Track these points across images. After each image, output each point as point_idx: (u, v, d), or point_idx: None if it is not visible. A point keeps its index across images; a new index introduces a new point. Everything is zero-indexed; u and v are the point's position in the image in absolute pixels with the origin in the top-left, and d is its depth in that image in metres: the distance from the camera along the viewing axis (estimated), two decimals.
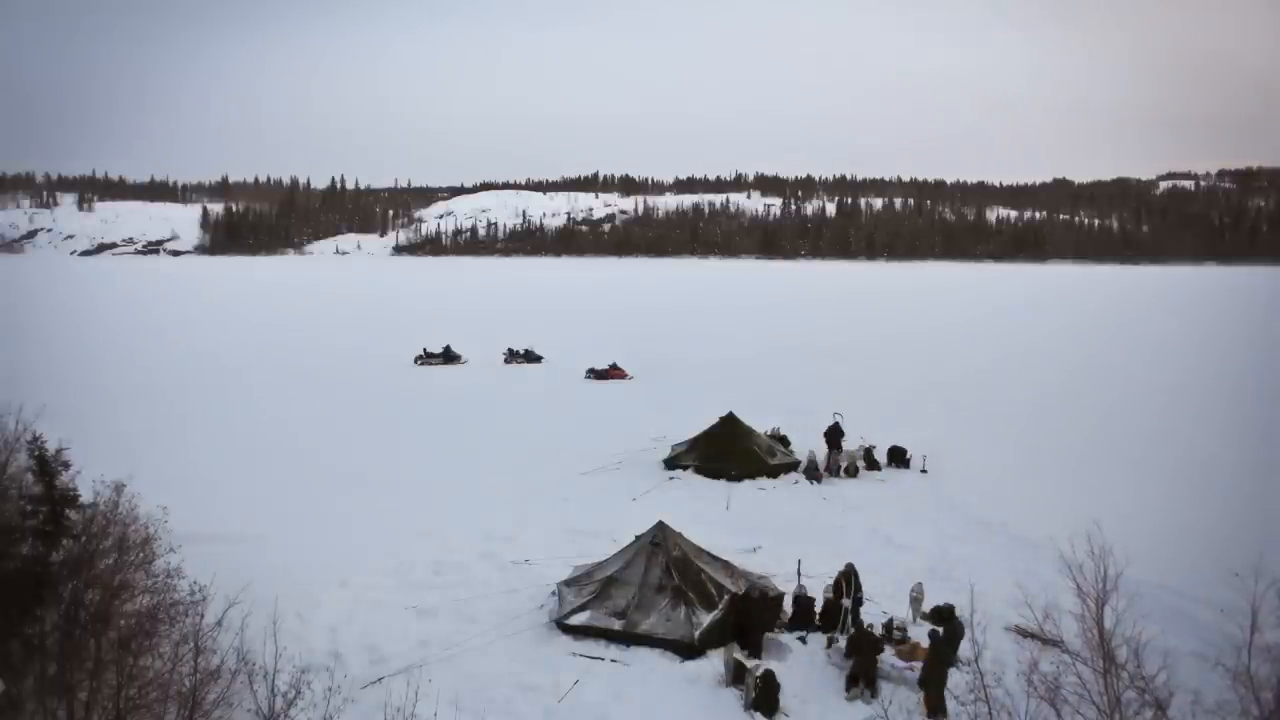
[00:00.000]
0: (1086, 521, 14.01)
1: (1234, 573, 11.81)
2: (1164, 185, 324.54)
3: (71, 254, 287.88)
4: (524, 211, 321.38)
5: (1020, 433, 33.45)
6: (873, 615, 16.57)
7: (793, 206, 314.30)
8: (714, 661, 14.88)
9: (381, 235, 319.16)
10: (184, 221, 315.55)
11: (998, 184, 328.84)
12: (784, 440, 29.16)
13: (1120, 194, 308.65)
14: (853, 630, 15.75)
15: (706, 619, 15.60)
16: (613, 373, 46.14)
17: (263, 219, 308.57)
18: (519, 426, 34.42)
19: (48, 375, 42.48)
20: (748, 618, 15.35)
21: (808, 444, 28.30)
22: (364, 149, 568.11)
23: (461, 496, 24.59)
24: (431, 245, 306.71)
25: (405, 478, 26.68)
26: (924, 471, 27.46)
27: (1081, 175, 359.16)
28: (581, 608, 16.24)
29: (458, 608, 17.10)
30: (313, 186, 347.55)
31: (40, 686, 11.68)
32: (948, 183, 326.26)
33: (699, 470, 26.85)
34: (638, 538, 17.45)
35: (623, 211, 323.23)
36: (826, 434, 27.95)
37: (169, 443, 30.47)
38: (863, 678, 14.32)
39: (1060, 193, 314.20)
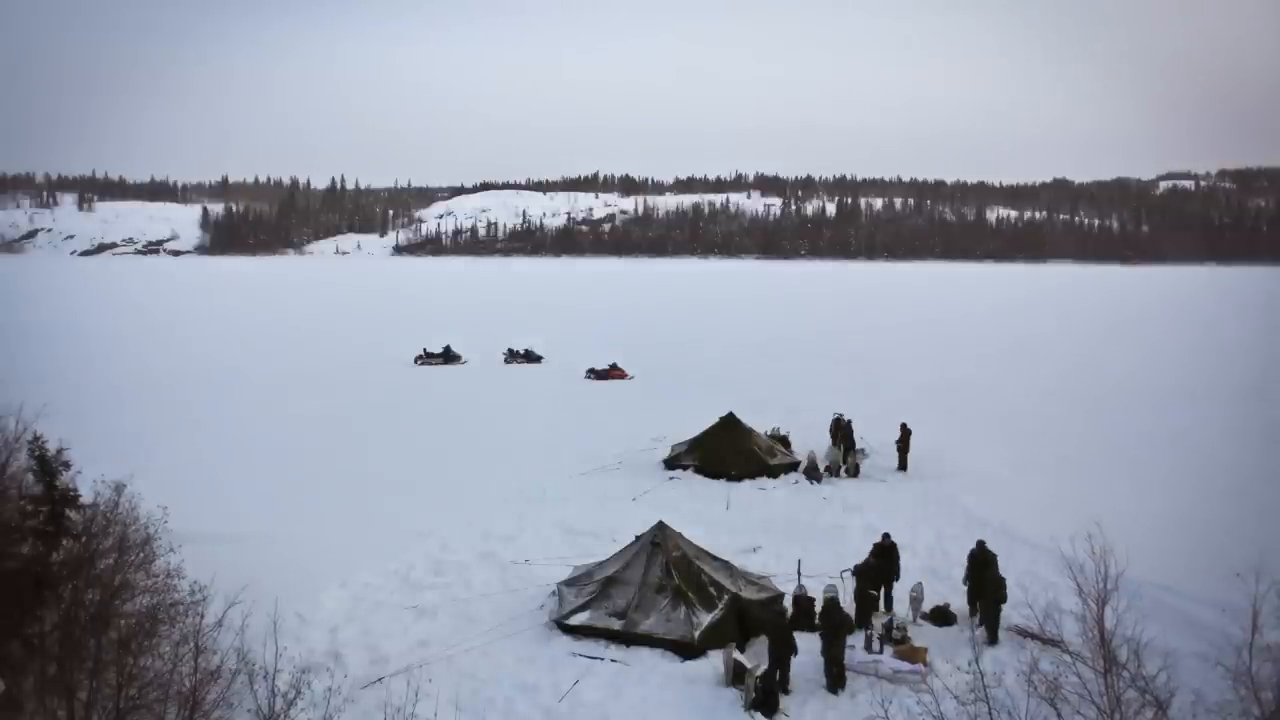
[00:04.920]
0: (1087, 521, 14.02)
1: (1235, 573, 11.81)
2: (1164, 185, 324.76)
3: (71, 254, 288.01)
4: (524, 211, 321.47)
5: (1021, 433, 33.43)
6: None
7: (793, 206, 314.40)
8: (714, 661, 14.87)
9: (381, 235, 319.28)
10: (184, 221, 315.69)
11: (998, 184, 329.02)
12: (784, 440, 29.14)
13: (1120, 194, 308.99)
14: (888, 614, 15.90)
15: (706, 619, 15.59)
16: (613, 373, 46.13)
17: (263, 219, 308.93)
18: (519, 426, 34.41)
19: (48, 375, 42.47)
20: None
21: (808, 444, 28.31)
22: (364, 149, 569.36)
23: (461, 496, 24.57)
24: (431, 245, 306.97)
25: (405, 478, 26.66)
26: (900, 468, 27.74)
27: (1081, 175, 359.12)
28: (581, 608, 16.23)
29: (458, 608, 17.09)
30: (313, 186, 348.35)
31: (40, 686, 11.68)
32: (948, 183, 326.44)
33: (699, 470, 26.83)
34: (638, 538, 17.44)
35: (623, 211, 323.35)
36: (841, 431, 28.22)
37: (169, 443, 30.46)
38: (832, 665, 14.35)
39: (1060, 193, 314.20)
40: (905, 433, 28.05)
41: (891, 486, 25.91)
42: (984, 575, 16.21)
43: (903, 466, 27.67)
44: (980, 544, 17.08)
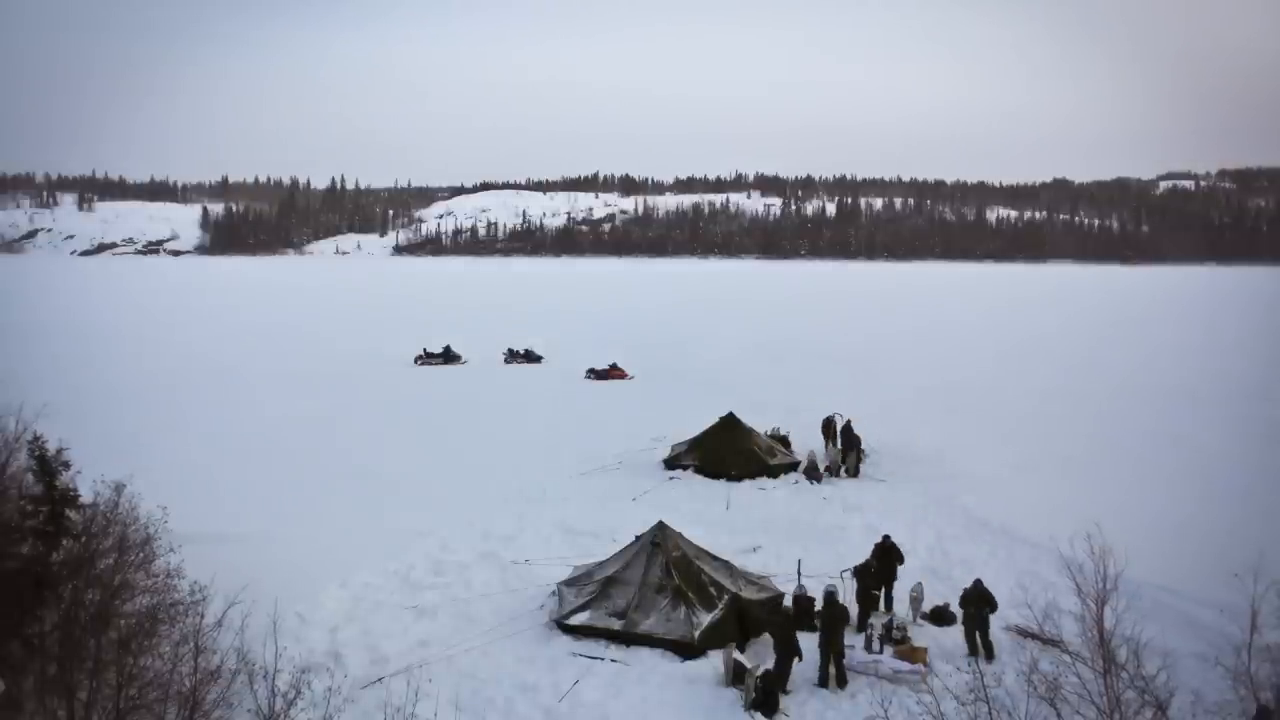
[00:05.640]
0: (1086, 522, 14.03)
1: (1234, 573, 11.83)
2: (1164, 185, 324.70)
3: (71, 254, 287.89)
4: (524, 211, 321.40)
5: (1020, 433, 33.43)
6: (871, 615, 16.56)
7: (793, 206, 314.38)
8: (714, 661, 14.88)
9: (381, 235, 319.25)
10: (184, 221, 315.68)
11: (998, 184, 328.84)
12: (784, 440, 29.15)
13: (1120, 194, 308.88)
14: (888, 614, 15.82)
15: (706, 619, 15.60)
16: (613, 373, 46.13)
17: (263, 219, 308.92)
18: (519, 426, 34.41)
19: (48, 375, 42.46)
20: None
21: (808, 444, 28.31)
22: (364, 149, 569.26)
23: (461, 496, 24.57)
24: (431, 245, 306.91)
25: (405, 478, 26.66)
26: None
27: (1081, 175, 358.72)
28: (581, 608, 16.24)
29: (458, 608, 17.09)
30: (313, 186, 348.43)
31: (40, 686, 11.69)
32: (948, 183, 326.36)
33: (699, 470, 26.83)
34: (638, 538, 17.45)
35: (623, 211, 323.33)
36: (833, 431, 28.22)
37: (169, 443, 30.45)
38: (832, 656, 14.37)
39: (1060, 193, 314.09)
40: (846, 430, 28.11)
41: (891, 486, 25.90)
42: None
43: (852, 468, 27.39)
44: (977, 582, 16.02)
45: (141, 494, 13.45)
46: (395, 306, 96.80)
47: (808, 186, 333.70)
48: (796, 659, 14.37)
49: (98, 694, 11.00)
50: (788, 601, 16.75)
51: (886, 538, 18.00)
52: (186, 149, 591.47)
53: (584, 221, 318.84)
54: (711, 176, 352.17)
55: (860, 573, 16.85)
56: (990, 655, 15.23)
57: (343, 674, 14.12)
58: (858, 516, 23.01)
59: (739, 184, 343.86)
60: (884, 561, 17.36)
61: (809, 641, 14.91)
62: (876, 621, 15.94)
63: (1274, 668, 9.46)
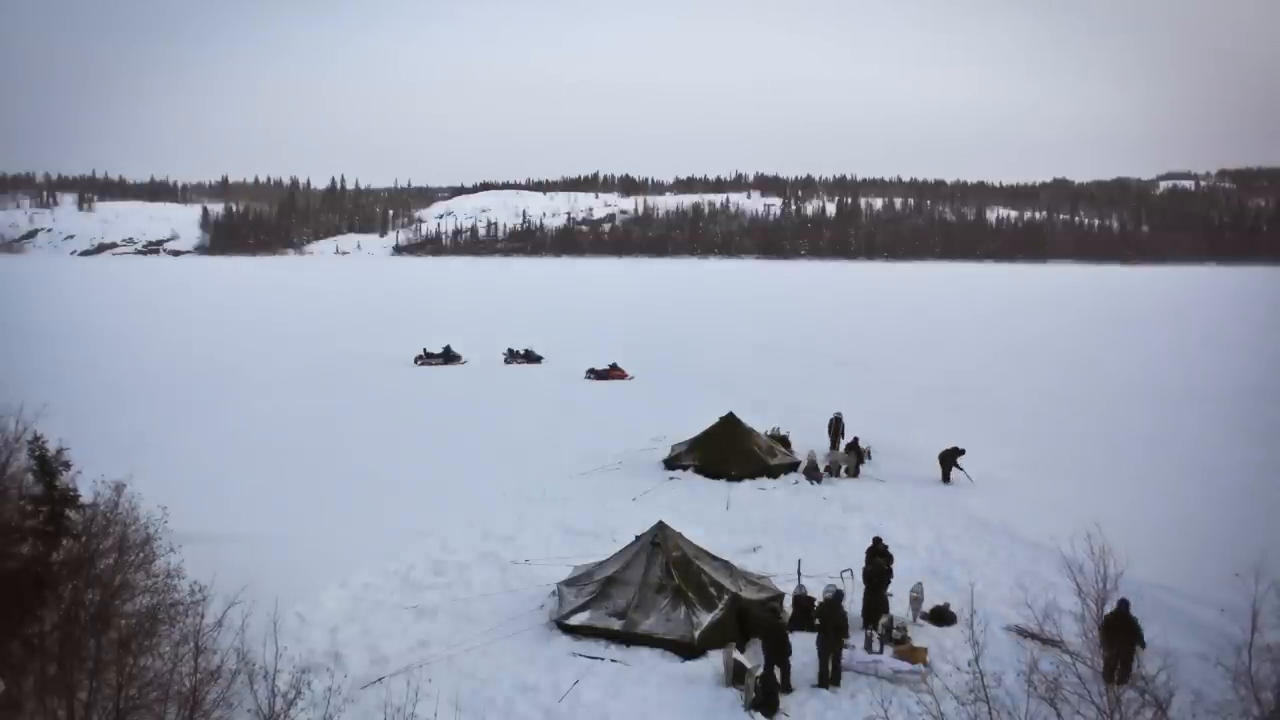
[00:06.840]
0: (1087, 522, 14.05)
1: (1235, 573, 11.84)
2: (1164, 185, 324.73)
3: (71, 254, 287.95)
4: (524, 211, 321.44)
5: (1020, 432, 33.43)
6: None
7: (793, 206, 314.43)
8: (714, 661, 14.87)
9: (381, 235, 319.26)
10: (184, 221, 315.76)
11: (998, 184, 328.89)
12: (784, 440, 29.15)
13: (1120, 194, 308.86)
14: (888, 618, 15.85)
15: (706, 619, 15.60)
16: (613, 373, 46.13)
17: (263, 219, 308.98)
18: (519, 426, 34.40)
19: (48, 375, 42.47)
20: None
21: (808, 444, 28.31)
22: (364, 149, 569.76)
23: (461, 496, 24.57)
24: (431, 245, 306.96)
25: (405, 478, 26.67)
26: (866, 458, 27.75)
27: (1081, 175, 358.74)
28: (581, 608, 16.23)
29: (458, 608, 17.09)
30: (313, 186, 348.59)
31: (40, 686, 11.68)
32: (948, 183, 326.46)
33: (699, 470, 26.82)
34: (638, 538, 17.45)
35: (623, 211, 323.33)
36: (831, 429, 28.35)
37: (169, 443, 30.46)
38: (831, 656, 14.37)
39: (1060, 193, 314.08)
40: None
41: (892, 486, 25.89)
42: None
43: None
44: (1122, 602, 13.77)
45: (141, 494, 13.45)
46: (395, 306, 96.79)
47: (808, 186, 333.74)
48: (786, 655, 14.37)
49: (98, 694, 10.99)
50: (788, 602, 16.75)
51: (878, 540, 17.94)
52: (186, 149, 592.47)
53: (584, 221, 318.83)
54: (711, 176, 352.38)
55: (868, 577, 16.81)
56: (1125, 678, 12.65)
57: (343, 674, 14.12)
58: (858, 516, 22.99)
59: (739, 184, 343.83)
60: (877, 564, 17.22)
61: (807, 640, 14.91)
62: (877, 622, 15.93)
63: (1275, 667, 9.45)
